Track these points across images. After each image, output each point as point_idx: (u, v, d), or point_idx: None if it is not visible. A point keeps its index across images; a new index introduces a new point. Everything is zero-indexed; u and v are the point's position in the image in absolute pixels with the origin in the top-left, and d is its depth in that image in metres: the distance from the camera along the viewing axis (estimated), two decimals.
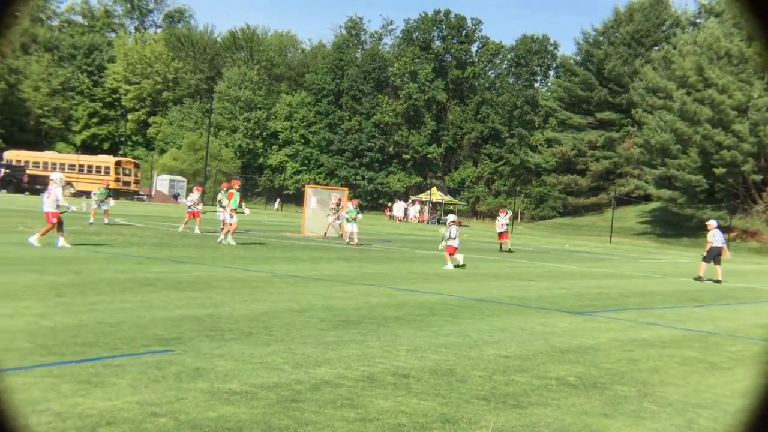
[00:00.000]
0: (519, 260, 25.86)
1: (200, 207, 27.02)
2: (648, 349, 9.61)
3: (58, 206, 17.48)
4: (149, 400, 5.42)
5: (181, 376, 6.23)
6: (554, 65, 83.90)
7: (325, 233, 29.79)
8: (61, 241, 17.14)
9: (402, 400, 6.06)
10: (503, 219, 30.70)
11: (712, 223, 23.05)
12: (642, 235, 60.07)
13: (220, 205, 24.01)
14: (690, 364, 8.87)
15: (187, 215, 26.79)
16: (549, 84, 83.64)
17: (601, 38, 75.76)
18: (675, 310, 14.63)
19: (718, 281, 21.64)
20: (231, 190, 22.80)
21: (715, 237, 22.33)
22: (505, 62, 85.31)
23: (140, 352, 7.03)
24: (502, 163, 79.16)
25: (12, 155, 64.33)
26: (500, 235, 30.70)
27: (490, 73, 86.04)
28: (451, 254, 20.23)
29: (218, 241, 22.19)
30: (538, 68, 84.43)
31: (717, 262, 22.00)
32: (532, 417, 5.92)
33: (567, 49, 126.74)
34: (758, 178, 53.90)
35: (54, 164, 64.07)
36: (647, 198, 63.04)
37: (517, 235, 52.08)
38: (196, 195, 27.17)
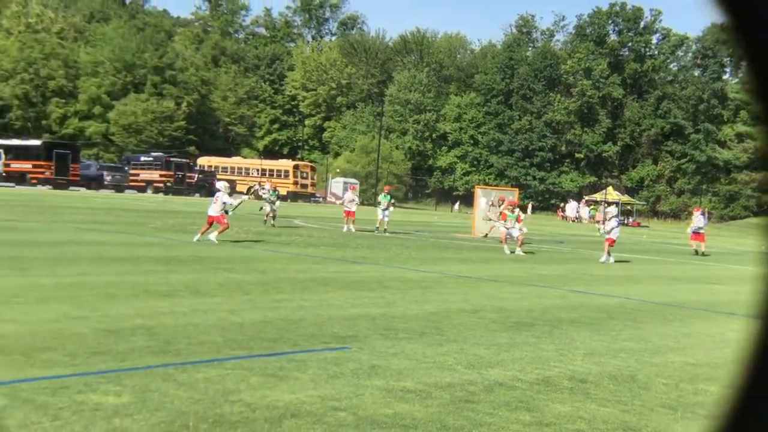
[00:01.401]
0: (706, 262, 24.27)
1: (355, 207, 27.24)
2: None
3: (225, 210, 18.99)
4: (329, 395, 5.65)
5: (358, 372, 6.44)
6: None
7: (486, 234, 29.34)
8: (213, 235, 18.39)
9: (580, 405, 5.89)
10: (699, 219, 28.01)
11: None
12: None
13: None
14: None
15: (344, 215, 27.06)
16: (740, 75, 77.77)
17: None
18: None
19: None
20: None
21: None
22: (690, 54, 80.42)
23: (320, 348, 7.34)
24: (685, 160, 74.71)
25: (204, 161, 69.42)
26: (694, 235, 27.70)
27: (672, 66, 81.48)
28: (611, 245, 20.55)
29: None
30: (728, 59, 78.75)
31: None
32: None
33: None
34: None
35: (240, 169, 68.44)
36: None
37: None
38: (350, 194, 27.77)
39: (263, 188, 28.92)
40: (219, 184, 20.18)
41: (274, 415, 5.04)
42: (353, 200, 27.46)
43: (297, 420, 4.98)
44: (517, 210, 22.92)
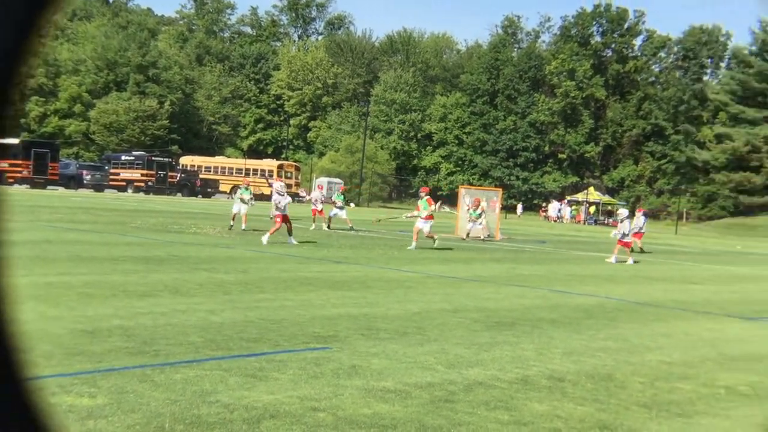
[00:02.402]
0: (683, 262, 24.48)
1: (321, 205, 27.70)
2: None
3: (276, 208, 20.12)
4: (309, 395, 5.65)
5: (339, 372, 6.45)
6: (726, 57, 78.63)
7: (468, 234, 29.50)
8: (292, 239, 19.92)
9: (558, 404, 5.94)
10: (640, 219, 27.18)
11: None
12: None
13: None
14: None
15: (312, 213, 27.46)
16: (720, 77, 78.53)
17: None
18: None
19: None
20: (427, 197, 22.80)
21: None
22: (672, 55, 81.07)
23: (300, 348, 7.34)
24: (665, 160, 75.30)
25: (186, 160, 69.07)
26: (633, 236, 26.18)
27: (654, 67, 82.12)
28: (627, 248, 21.01)
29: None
30: (708, 60, 79.50)
31: None
32: (699, 427, 5.61)
33: (741, 39, 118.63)
34: None
35: (224, 168, 68.16)
36: None
37: (682, 236, 49.35)
38: (318, 193, 28.12)
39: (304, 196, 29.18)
40: (277, 185, 21.29)
41: (252, 416, 5.04)
42: (319, 199, 27.99)
43: (275, 421, 4.99)
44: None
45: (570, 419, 5.54)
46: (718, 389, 6.85)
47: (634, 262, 21.79)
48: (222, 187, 63.05)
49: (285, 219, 19.90)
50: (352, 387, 6.00)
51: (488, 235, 29.11)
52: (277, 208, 20.02)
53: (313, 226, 26.71)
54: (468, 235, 29.24)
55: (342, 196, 29.52)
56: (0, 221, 0.99)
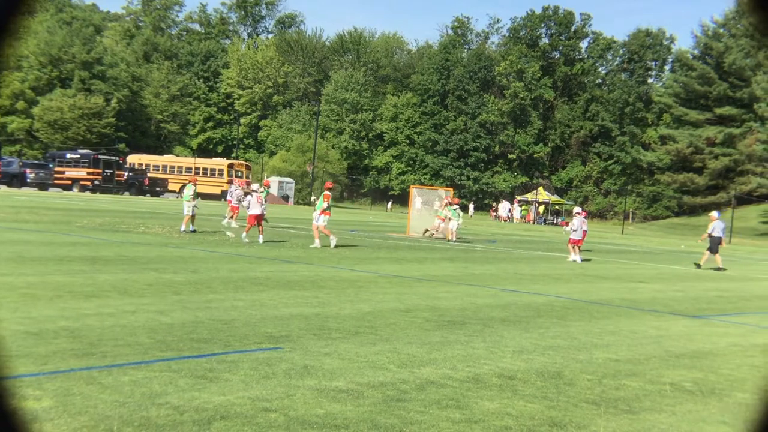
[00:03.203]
0: (630, 261, 25.02)
1: (236, 203, 26.50)
2: None
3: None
4: (260, 396, 5.60)
5: (291, 373, 6.41)
6: (670, 60, 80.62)
7: (433, 234, 29.71)
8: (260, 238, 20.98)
9: (508, 402, 6.00)
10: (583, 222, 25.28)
11: (714, 215, 24.62)
12: (765, 236, 56.81)
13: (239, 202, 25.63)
14: None
15: (231, 209, 26.24)
16: (664, 79, 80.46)
17: (721, 30, 72.14)
18: None
19: (719, 269, 22.71)
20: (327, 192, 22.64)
21: (715, 228, 23.75)
22: (617, 58, 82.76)
23: (252, 349, 7.27)
24: (612, 161, 76.85)
25: (134, 159, 67.82)
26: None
27: (600, 69, 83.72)
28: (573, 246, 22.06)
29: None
30: (653, 63, 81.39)
31: (716, 251, 23.33)
32: (645, 423, 5.73)
33: (684, 43, 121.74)
34: None
35: (173, 167, 67.14)
36: None
37: (628, 236, 50.42)
38: (240, 191, 26.98)
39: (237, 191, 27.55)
40: (255, 186, 22.81)
41: (202, 418, 4.97)
42: (235, 195, 26.95)
43: (226, 422, 4.93)
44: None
45: (520, 417, 5.61)
46: (664, 386, 7.01)
47: (581, 260, 22.22)
48: (171, 186, 62.11)
49: (257, 219, 20.98)
50: (305, 387, 5.97)
51: (454, 238, 29.08)
52: (250, 208, 21.28)
53: (225, 221, 25.49)
54: (427, 232, 29.51)
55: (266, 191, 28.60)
56: None
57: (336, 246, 20.66)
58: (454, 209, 28.85)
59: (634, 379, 7.21)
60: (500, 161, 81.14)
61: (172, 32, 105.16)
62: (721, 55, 69.45)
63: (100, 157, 57.92)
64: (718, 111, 69.69)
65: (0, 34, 0.96)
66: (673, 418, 5.94)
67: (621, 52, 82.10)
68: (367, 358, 7.24)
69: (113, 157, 60.72)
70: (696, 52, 74.78)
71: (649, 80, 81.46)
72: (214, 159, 71.75)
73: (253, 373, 6.26)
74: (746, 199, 62.61)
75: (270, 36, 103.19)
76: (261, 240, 20.93)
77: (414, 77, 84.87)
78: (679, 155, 70.24)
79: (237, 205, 26.15)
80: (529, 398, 6.16)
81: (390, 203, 75.27)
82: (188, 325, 8.19)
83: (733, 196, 62.38)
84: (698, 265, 23.35)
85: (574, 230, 22.85)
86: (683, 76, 72.87)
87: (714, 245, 23.51)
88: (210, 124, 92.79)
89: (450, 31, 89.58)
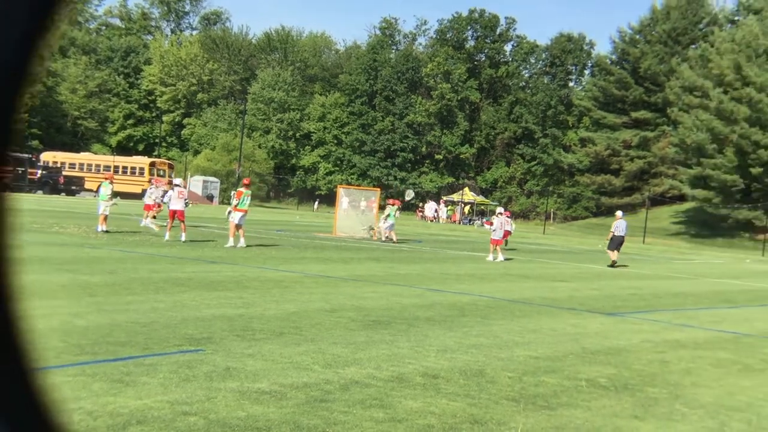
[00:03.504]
0: (551, 261, 25.65)
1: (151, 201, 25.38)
2: (680, 350, 9.47)
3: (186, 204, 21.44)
4: (180, 399, 5.48)
5: (212, 375, 6.30)
6: (590, 64, 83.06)
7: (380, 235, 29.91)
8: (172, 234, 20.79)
9: (431, 400, 6.06)
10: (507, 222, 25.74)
11: (618, 214, 25.79)
12: (676, 236, 59.16)
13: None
14: (723, 366, 8.72)
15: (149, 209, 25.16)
16: (584, 83, 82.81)
17: (637, 36, 74.74)
18: (709, 311, 14.40)
19: (613, 264, 23.87)
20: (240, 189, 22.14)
21: (618, 227, 24.78)
22: (540, 62, 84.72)
23: (172, 351, 7.12)
24: (535, 163, 78.62)
25: (48, 157, 65.43)
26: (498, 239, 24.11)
27: (524, 72, 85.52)
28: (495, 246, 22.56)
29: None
30: (574, 68, 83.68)
31: (614, 248, 24.29)
32: (562, 418, 5.88)
33: (603, 48, 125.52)
34: None
35: (90, 165, 65.12)
36: (682, 198, 62.08)
37: (549, 235, 51.68)
38: (160, 191, 26.16)
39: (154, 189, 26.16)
40: (178, 180, 23.14)
41: (117, 423, 4.83)
42: (154, 194, 25.94)
43: (143, 426, 4.80)
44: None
45: (443, 415, 5.67)
46: (580, 382, 7.21)
47: (504, 259, 22.64)
48: (88, 185, 60.23)
49: (177, 215, 20.81)
50: (226, 389, 5.88)
51: (387, 239, 29.24)
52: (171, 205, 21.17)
53: (145, 222, 24.65)
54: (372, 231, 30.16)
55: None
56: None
57: (247, 246, 20.18)
58: (394, 210, 29.58)
59: (552, 375, 7.38)
60: (427, 162, 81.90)
61: (91, 26, 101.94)
62: (637, 61, 71.99)
63: (11, 154, 55.69)
64: (634, 115, 72.20)
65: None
66: (589, 413, 6.12)
67: (544, 56, 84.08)
68: (292, 358, 7.18)
69: (26, 155, 58.47)
70: (614, 57, 77.27)
71: (570, 84, 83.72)
72: (134, 157, 69.97)
73: (173, 376, 6.13)
74: (659, 200, 65.08)
75: (194, 33, 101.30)
76: (183, 238, 20.50)
77: (342, 77, 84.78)
78: (597, 157, 72.42)
79: (152, 204, 25.09)
80: (452, 396, 6.23)
81: (317, 203, 75.01)
82: (104, 327, 7.95)
83: (647, 198, 64.80)
84: (613, 264, 24.05)
85: (493, 230, 23.25)
86: (602, 80, 75.15)
87: (616, 243, 24.44)
88: (130, 121, 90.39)
89: (378, 32, 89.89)
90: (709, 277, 23.67)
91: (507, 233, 26.62)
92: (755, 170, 51.73)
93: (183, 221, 20.77)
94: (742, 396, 7.21)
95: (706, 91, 57.12)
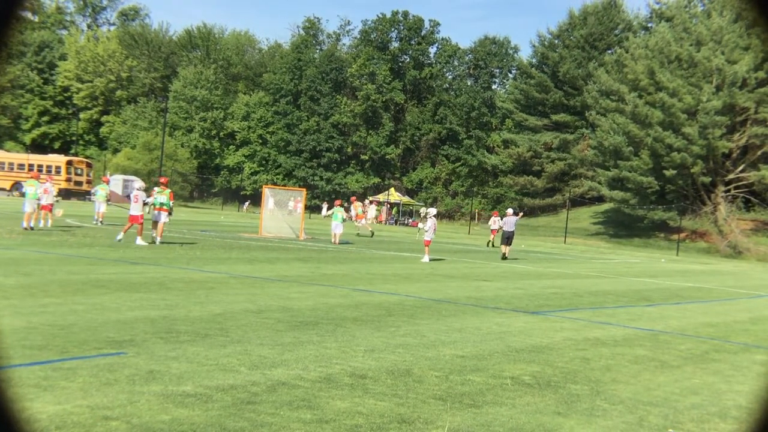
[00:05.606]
0: (476, 261, 26.05)
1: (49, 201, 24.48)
2: (600, 347, 9.77)
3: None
4: (101, 404, 5.32)
5: (134, 378, 6.13)
6: (513, 67, 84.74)
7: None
8: (139, 240, 20.81)
9: (359, 400, 6.06)
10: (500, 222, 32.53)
11: (509, 211, 30.40)
12: (595, 236, 61.03)
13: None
14: (641, 362, 9.04)
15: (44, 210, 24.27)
16: (507, 86, 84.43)
17: (556, 41, 76.78)
18: (626, 309, 14.89)
19: (504, 256, 27.44)
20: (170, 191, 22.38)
21: (507, 223, 28.92)
22: (464, 64, 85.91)
23: (92, 354, 6.90)
24: (459, 164, 79.68)
25: None
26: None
27: (447, 74, 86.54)
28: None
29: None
30: (497, 70, 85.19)
31: (504, 242, 28.15)
32: (488, 416, 5.97)
33: (527, 52, 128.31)
34: (707, 180, 55.17)
35: (2, 163, 62.53)
36: (600, 199, 64.04)
37: (474, 236, 52.49)
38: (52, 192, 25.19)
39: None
40: (137, 184, 22.86)
41: (34, 430, 4.64)
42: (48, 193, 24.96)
43: None
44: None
45: (371, 415, 5.68)
46: (505, 380, 7.35)
47: (429, 260, 22.93)
48: (0, 184, 57.79)
49: (138, 219, 21.14)
50: (149, 393, 5.73)
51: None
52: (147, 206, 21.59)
53: (24, 225, 23.20)
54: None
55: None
56: None
57: (150, 243, 20.94)
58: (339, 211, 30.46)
59: (478, 374, 7.49)
60: (353, 162, 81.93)
61: None
62: (556, 65, 73.91)
63: None
64: (555, 117, 74.12)
65: None
66: (513, 410, 6.24)
67: (467, 58, 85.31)
68: (217, 360, 7.06)
69: None
70: (534, 61, 79.11)
71: (494, 86, 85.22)
72: (50, 155, 67.52)
73: (93, 380, 5.94)
74: (579, 201, 67.00)
75: (112, 28, 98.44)
76: (138, 242, 20.76)
77: (266, 76, 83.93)
78: (520, 159, 73.96)
79: (48, 205, 24.05)
80: (380, 396, 6.25)
81: (247, 204, 74.05)
82: (20, 331, 7.63)
83: (567, 198, 66.60)
84: (503, 258, 27.03)
85: (426, 230, 23.69)
86: (523, 83, 76.83)
87: (505, 238, 28.18)
88: (45, 118, 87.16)
89: (301, 32, 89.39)
90: (627, 276, 24.50)
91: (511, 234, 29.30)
92: (669, 172, 53.84)
93: (141, 225, 21.13)
94: (658, 391, 7.49)
95: (622, 95, 59.13)
